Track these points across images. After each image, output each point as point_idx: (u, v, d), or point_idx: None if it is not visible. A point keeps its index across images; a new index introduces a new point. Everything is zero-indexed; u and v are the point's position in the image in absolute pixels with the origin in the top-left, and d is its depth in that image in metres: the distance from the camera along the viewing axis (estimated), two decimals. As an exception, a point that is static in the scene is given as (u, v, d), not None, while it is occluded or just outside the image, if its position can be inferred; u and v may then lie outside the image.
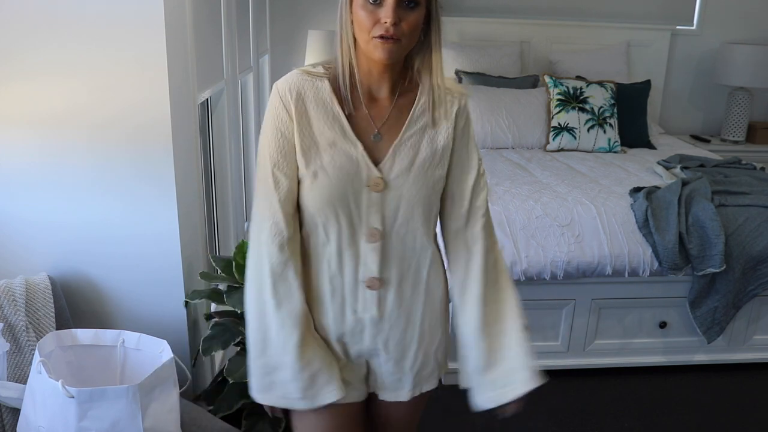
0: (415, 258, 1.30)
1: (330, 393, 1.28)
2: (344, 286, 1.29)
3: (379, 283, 1.28)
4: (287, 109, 1.23)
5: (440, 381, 1.47)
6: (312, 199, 1.24)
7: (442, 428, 2.45)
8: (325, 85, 1.25)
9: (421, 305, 1.33)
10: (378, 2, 1.14)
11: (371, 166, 1.24)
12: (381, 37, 1.15)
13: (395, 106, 1.28)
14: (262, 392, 1.30)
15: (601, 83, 3.73)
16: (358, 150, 1.23)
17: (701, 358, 2.88)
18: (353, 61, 1.22)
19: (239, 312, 1.87)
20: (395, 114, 1.28)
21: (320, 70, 1.27)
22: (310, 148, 1.23)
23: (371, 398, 1.43)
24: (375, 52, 1.17)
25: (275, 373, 1.28)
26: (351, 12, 1.19)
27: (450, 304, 1.42)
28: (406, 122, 1.27)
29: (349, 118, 1.24)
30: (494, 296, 1.33)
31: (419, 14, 1.18)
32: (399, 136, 1.26)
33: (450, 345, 1.47)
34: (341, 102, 1.24)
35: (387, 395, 1.40)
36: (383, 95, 1.27)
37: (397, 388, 1.39)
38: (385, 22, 1.14)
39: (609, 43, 4.24)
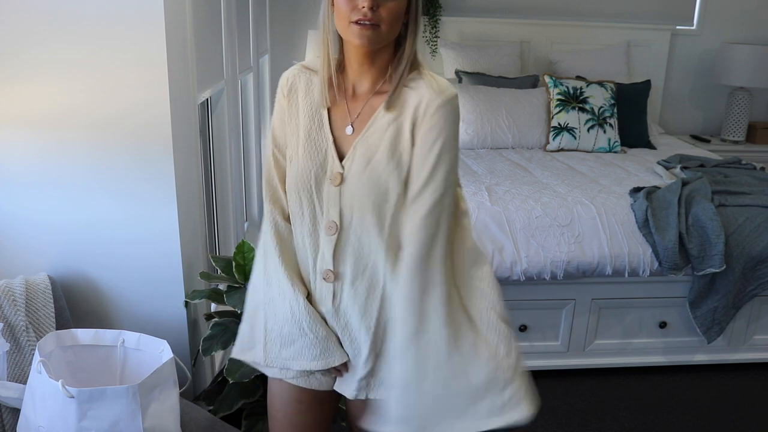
0: (371, 258, 1.27)
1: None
2: (309, 274, 1.33)
3: (333, 275, 1.30)
4: (284, 98, 1.33)
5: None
6: (286, 183, 1.32)
7: (442, 428, 2.45)
8: (317, 80, 1.30)
9: (376, 309, 1.29)
10: None
11: (335, 159, 1.26)
12: (358, 22, 1.17)
13: (369, 101, 1.27)
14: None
15: (601, 83, 3.73)
16: (329, 143, 1.27)
17: (701, 358, 2.88)
18: (331, 54, 1.26)
19: (239, 312, 1.86)
20: (367, 109, 1.27)
21: (318, 63, 1.31)
22: (293, 135, 1.31)
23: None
24: (353, 37, 1.19)
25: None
26: (333, 5, 1.22)
27: None
28: (371, 118, 1.25)
29: (330, 111, 1.29)
30: None
31: (399, 3, 1.19)
32: (362, 132, 1.26)
33: None
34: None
35: (337, 386, 1.39)
36: (364, 90, 1.28)
37: (344, 381, 1.37)
38: (363, 7, 1.16)
39: (609, 43, 4.24)
